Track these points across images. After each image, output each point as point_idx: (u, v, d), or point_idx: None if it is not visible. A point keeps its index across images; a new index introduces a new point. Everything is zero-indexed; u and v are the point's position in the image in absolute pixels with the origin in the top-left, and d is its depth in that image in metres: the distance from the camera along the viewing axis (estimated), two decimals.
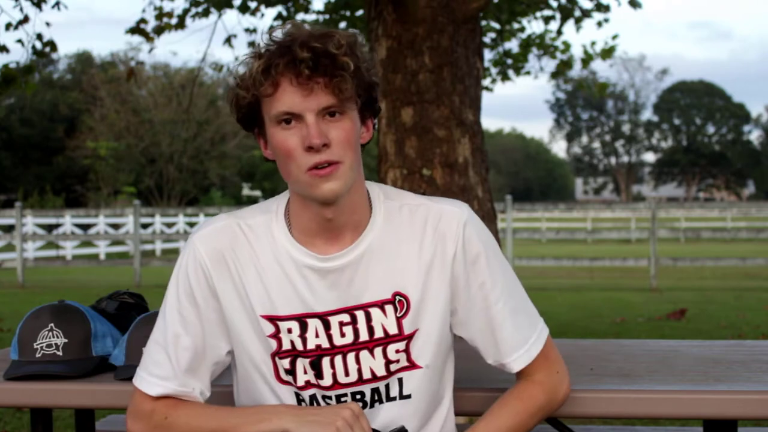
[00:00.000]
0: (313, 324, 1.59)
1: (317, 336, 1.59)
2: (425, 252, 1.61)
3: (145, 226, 22.47)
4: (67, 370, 2.01)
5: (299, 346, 1.60)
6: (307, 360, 1.60)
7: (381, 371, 1.60)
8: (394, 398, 1.62)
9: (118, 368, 2.04)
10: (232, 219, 1.64)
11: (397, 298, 1.60)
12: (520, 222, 28.54)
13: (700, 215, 30.37)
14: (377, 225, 1.61)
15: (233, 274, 1.61)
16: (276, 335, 1.60)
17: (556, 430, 2.07)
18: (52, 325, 2.05)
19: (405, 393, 1.62)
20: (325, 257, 1.59)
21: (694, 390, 1.88)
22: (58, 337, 2.04)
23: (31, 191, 31.13)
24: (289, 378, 1.61)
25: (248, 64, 1.53)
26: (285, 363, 1.60)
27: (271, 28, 1.55)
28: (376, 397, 1.62)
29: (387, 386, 1.61)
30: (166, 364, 1.61)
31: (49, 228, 22.55)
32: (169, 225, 24.20)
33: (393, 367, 1.61)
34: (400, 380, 1.62)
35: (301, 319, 1.60)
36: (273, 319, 1.60)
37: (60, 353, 2.03)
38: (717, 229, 20.46)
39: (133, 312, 2.27)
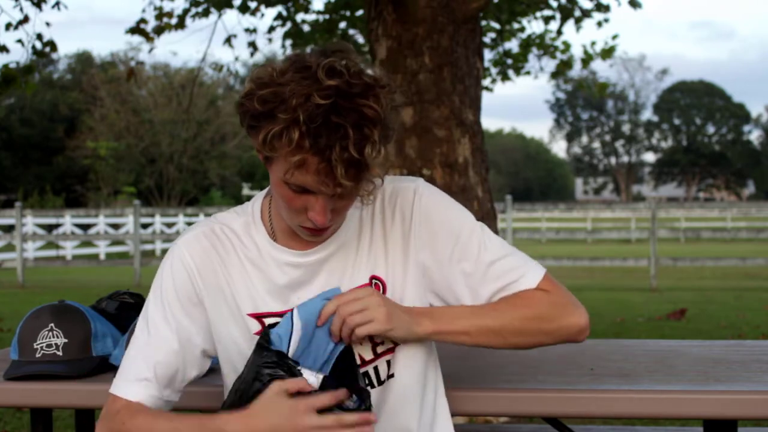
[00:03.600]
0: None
1: None
2: (391, 232, 1.65)
3: (145, 226, 22.47)
4: (67, 370, 2.01)
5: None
6: None
7: (368, 355, 1.62)
8: (383, 382, 1.63)
9: (118, 368, 2.04)
10: (212, 224, 1.66)
11: (374, 281, 1.63)
12: (520, 222, 28.54)
13: (700, 215, 30.37)
14: (354, 217, 1.65)
15: (218, 276, 1.63)
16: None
17: (556, 430, 2.07)
18: (52, 325, 2.05)
19: (391, 372, 1.64)
20: (304, 253, 1.62)
21: (694, 390, 1.88)
22: (58, 337, 2.04)
23: (31, 191, 31.13)
24: None
25: (281, 126, 1.41)
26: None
27: (321, 66, 1.42)
28: (367, 382, 1.62)
29: (376, 369, 1.62)
30: (144, 370, 1.61)
31: (49, 228, 22.55)
32: (169, 225, 24.20)
33: (380, 349, 1.62)
34: (388, 362, 1.63)
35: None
36: (259, 317, 1.62)
37: (60, 353, 2.03)
38: (717, 229, 20.46)
39: (133, 312, 2.27)
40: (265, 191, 1.69)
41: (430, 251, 1.64)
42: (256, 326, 1.61)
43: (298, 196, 1.49)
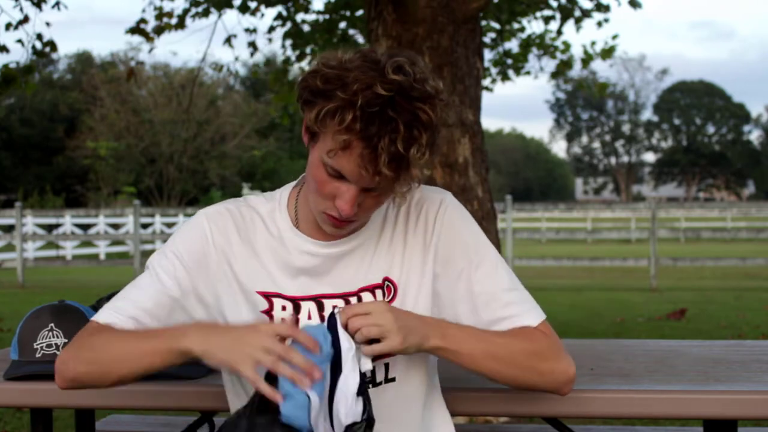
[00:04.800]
0: (307, 306, 1.63)
1: (310, 318, 1.63)
2: (413, 238, 1.66)
3: (145, 226, 22.47)
4: None
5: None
6: None
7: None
8: (380, 383, 1.63)
9: None
10: (240, 204, 1.69)
11: (386, 283, 1.64)
12: (520, 222, 28.53)
13: (700, 215, 30.35)
14: (378, 218, 1.67)
15: (233, 251, 1.64)
16: (269, 312, 1.63)
17: (556, 430, 2.07)
18: (52, 325, 2.05)
19: (390, 377, 1.64)
20: (324, 243, 1.64)
21: (694, 390, 1.88)
22: (58, 337, 2.04)
23: (31, 191, 31.11)
24: None
25: (337, 105, 1.43)
26: None
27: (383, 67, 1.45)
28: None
29: (373, 371, 1.62)
30: (129, 309, 1.59)
31: (49, 228, 22.54)
32: (169, 225, 24.18)
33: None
34: (387, 365, 1.64)
35: (295, 301, 1.63)
36: (268, 296, 1.63)
37: (60, 353, 2.03)
38: (717, 229, 20.46)
39: None
40: (294, 182, 1.71)
41: (442, 264, 1.64)
42: (264, 304, 1.63)
43: (331, 181, 1.51)
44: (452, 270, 1.64)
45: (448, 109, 1.52)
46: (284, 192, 1.70)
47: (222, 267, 1.63)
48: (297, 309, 1.62)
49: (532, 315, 1.63)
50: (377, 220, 1.66)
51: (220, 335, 1.46)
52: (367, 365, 1.50)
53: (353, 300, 1.62)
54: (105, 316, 1.59)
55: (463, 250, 1.64)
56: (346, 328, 1.48)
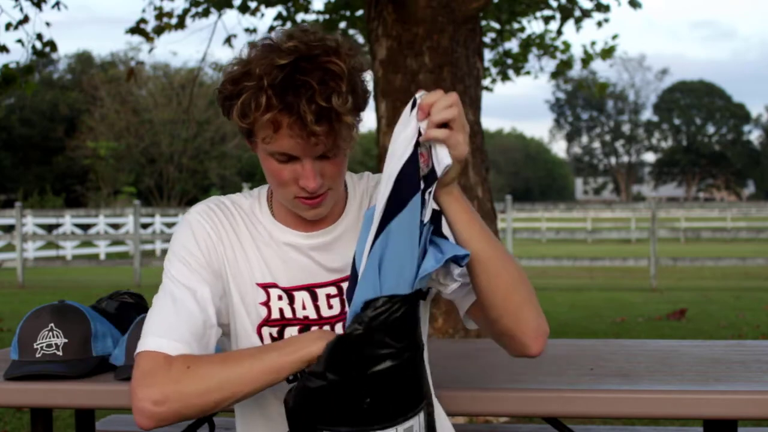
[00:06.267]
0: (300, 296, 1.64)
1: (304, 308, 1.63)
2: None
3: (145, 226, 22.47)
4: (66, 370, 2.01)
5: (288, 314, 1.63)
6: (296, 328, 1.63)
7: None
8: None
9: (118, 368, 2.04)
10: (223, 199, 1.71)
11: None
12: (520, 222, 28.52)
13: (700, 215, 30.36)
14: (354, 206, 1.69)
15: (230, 243, 1.65)
16: (267, 303, 1.64)
17: (556, 430, 2.07)
18: (52, 325, 2.05)
19: None
20: (308, 234, 1.65)
21: (694, 390, 1.88)
22: (58, 337, 2.04)
23: (31, 191, 31.12)
24: None
25: (250, 94, 1.47)
26: (273, 332, 1.63)
27: (271, 40, 1.50)
28: None
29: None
30: (179, 327, 1.52)
31: (49, 228, 22.55)
32: (169, 225, 24.17)
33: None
34: None
35: (289, 292, 1.64)
36: (266, 287, 1.64)
37: (60, 353, 2.03)
38: (717, 229, 20.47)
39: (133, 312, 2.27)
40: (268, 186, 1.73)
41: None
42: (262, 296, 1.64)
43: (285, 167, 1.53)
44: None
45: (355, 56, 1.51)
46: (262, 189, 1.72)
47: (223, 260, 1.64)
48: (291, 299, 1.63)
49: None
50: (353, 208, 1.68)
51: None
52: (446, 159, 1.41)
53: (345, 286, 1.62)
54: (167, 346, 1.49)
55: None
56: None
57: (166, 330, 1.51)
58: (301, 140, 1.48)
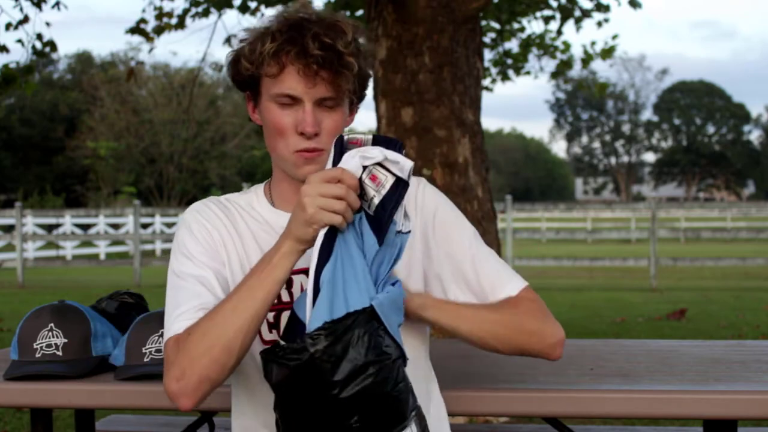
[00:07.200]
0: (298, 280, 1.65)
1: (302, 290, 1.62)
2: None
3: (145, 226, 22.47)
4: (66, 370, 2.01)
5: (285, 298, 1.65)
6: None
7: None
8: None
9: (118, 368, 2.04)
10: (218, 197, 1.75)
11: None
12: (520, 222, 28.52)
13: (700, 215, 30.35)
14: None
15: (230, 236, 1.67)
16: None
17: (556, 430, 2.07)
18: (52, 325, 2.05)
19: None
20: None
21: (694, 390, 1.88)
22: (58, 337, 2.04)
23: (31, 191, 31.11)
24: (273, 335, 1.64)
25: (257, 39, 1.59)
26: (270, 316, 1.64)
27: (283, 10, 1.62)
28: None
29: None
30: (188, 308, 1.55)
31: (49, 228, 22.54)
32: (169, 225, 24.17)
33: None
34: None
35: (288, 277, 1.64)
36: None
37: (60, 353, 2.03)
38: (717, 229, 20.46)
39: (133, 312, 2.27)
40: (263, 183, 1.77)
41: (422, 238, 1.68)
42: None
43: (286, 113, 1.60)
44: (433, 246, 1.68)
45: (365, 39, 1.61)
46: (258, 186, 1.77)
47: (221, 248, 1.65)
48: (289, 283, 1.65)
49: (515, 283, 1.67)
50: None
51: (293, 216, 1.49)
52: (403, 160, 1.49)
53: None
54: (177, 328, 1.52)
55: (441, 223, 1.69)
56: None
57: (177, 316, 1.55)
58: (304, 77, 1.56)
